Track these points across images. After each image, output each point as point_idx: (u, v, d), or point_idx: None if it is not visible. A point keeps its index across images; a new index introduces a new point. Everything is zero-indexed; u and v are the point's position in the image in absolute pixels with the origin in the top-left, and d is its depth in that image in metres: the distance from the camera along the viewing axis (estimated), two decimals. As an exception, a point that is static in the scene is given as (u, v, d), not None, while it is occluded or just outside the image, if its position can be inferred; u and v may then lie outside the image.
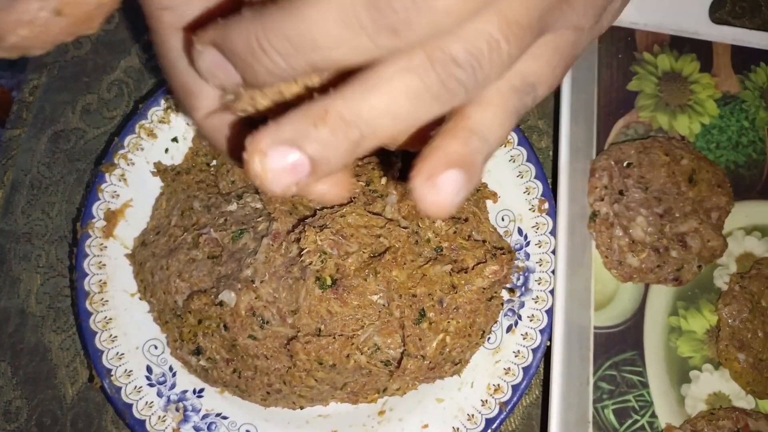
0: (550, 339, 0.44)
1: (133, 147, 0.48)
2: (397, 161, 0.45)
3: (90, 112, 0.54)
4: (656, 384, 0.46)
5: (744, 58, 0.53)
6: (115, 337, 0.44)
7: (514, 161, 0.47)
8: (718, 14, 0.57)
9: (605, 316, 0.47)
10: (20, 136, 0.54)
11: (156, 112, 0.48)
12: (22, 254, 0.51)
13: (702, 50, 0.53)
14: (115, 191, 0.47)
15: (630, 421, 0.45)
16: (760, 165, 0.51)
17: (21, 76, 0.59)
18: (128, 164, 0.48)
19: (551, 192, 0.46)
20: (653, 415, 0.45)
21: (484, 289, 0.41)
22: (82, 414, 0.47)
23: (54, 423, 0.47)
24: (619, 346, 0.46)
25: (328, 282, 0.40)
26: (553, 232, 0.45)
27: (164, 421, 0.42)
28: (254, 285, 0.41)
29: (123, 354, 0.43)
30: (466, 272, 0.41)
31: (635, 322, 0.47)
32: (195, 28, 0.26)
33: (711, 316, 0.48)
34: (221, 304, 0.41)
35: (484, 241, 0.44)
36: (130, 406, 0.42)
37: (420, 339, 0.40)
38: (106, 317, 0.44)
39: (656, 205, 0.48)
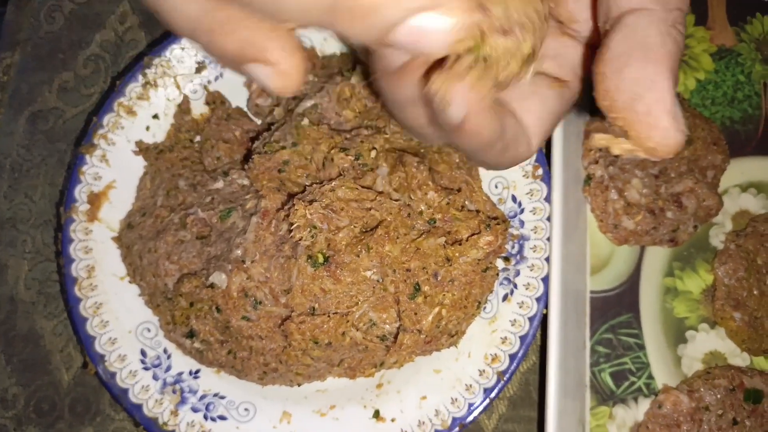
0: (546, 306, 0.43)
1: (113, 126, 0.46)
2: (384, 128, 0.44)
3: (67, 91, 0.52)
4: (652, 345, 0.46)
5: (739, 9, 0.52)
6: (107, 322, 0.43)
7: (505, 127, 0.46)
8: (712, -37, 0.55)
9: (601, 279, 0.47)
10: (-3, 118, 0.52)
11: (134, 88, 0.47)
12: (8, 240, 0.50)
13: (697, 2, 0.52)
14: (97, 173, 0.46)
15: (627, 383, 0.45)
16: (756, 120, 0.50)
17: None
18: (109, 144, 0.46)
19: (545, 157, 0.45)
20: (650, 377, 0.46)
21: (479, 260, 0.40)
22: (79, 398, 0.47)
23: (52, 408, 0.47)
24: (615, 309, 0.46)
25: (320, 260, 0.39)
26: (548, 199, 0.45)
27: (162, 403, 0.42)
28: (245, 265, 0.41)
29: (116, 339, 0.43)
30: (460, 244, 0.40)
31: (631, 285, 0.47)
32: None
33: (707, 275, 0.47)
34: (212, 286, 0.41)
35: (477, 211, 0.43)
36: (126, 390, 0.42)
37: (415, 313, 0.40)
38: (96, 302, 0.44)
39: (651, 166, 0.47)
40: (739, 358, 0.46)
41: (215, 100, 0.49)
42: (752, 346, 0.46)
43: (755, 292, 0.47)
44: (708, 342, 0.47)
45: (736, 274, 0.47)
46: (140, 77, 0.47)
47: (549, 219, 0.44)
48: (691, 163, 0.48)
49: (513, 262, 0.45)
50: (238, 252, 0.41)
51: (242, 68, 0.24)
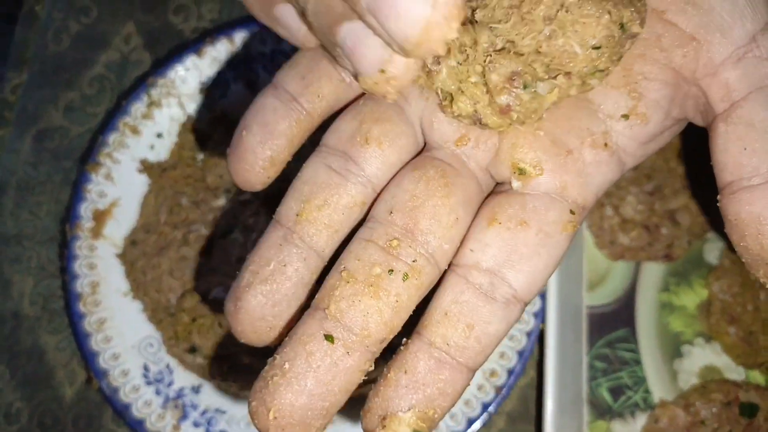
0: (543, 321, 0.44)
1: (118, 145, 0.47)
2: None
3: (73, 110, 0.53)
4: (649, 360, 0.47)
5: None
6: (110, 337, 0.44)
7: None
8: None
9: (598, 295, 0.47)
10: (4, 137, 0.53)
11: (139, 108, 0.48)
12: (13, 256, 0.51)
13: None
14: (102, 190, 0.47)
15: (624, 398, 0.46)
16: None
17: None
18: (113, 162, 0.47)
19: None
20: (647, 391, 0.46)
21: None
22: (82, 413, 0.47)
23: (55, 423, 0.47)
24: (611, 324, 0.47)
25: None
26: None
27: (164, 418, 0.43)
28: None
29: (119, 354, 0.44)
30: None
31: (627, 300, 0.47)
32: None
33: (702, 290, 0.48)
34: (214, 300, 0.41)
35: None
36: (128, 405, 0.43)
37: None
38: (99, 318, 0.44)
39: (646, 182, 0.48)
40: (734, 373, 0.47)
41: (218, 118, 0.50)
42: (747, 361, 0.47)
43: (749, 307, 0.47)
44: (704, 356, 0.47)
45: (730, 290, 0.48)
46: (145, 97, 0.48)
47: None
48: (686, 180, 0.48)
49: (510, 277, 0.45)
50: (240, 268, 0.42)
51: (272, 10, 0.26)
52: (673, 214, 0.48)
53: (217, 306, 0.41)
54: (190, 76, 0.49)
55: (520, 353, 0.44)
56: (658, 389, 0.46)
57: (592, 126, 0.27)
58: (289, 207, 0.27)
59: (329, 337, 0.24)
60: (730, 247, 0.49)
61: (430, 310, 0.26)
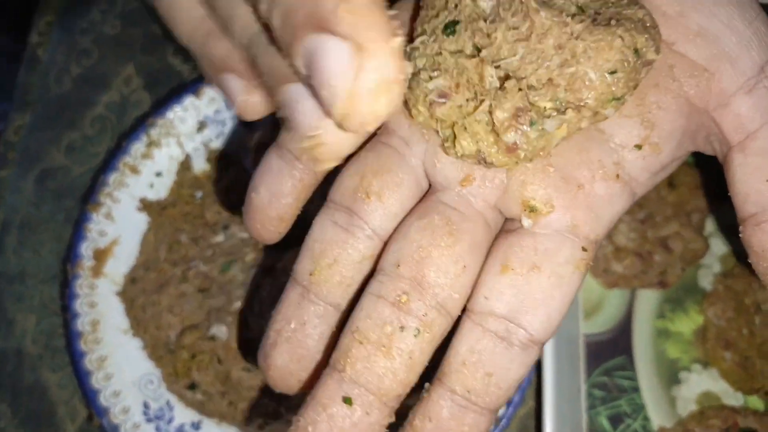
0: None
1: (118, 184, 0.48)
2: None
3: (74, 149, 0.54)
4: (647, 387, 0.47)
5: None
6: (111, 374, 0.45)
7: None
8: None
9: (593, 323, 0.48)
10: (7, 177, 0.54)
11: (139, 148, 0.49)
12: (16, 294, 0.51)
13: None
14: (102, 229, 0.48)
15: (623, 426, 0.46)
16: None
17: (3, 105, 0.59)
18: (114, 202, 0.48)
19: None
20: (645, 418, 0.46)
21: None
22: (84, 451, 0.48)
23: (57, 461, 0.48)
24: (608, 352, 0.47)
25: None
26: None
27: (164, 455, 0.43)
28: (245, 317, 0.42)
29: (119, 391, 0.44)
30: None
31: (623, 327, 0.48)
32: None
33: (697, 316, 0.48)
34: (213, 338, 0.42)
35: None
36: (129, 443, 0.43)
37: None
38: (100, 356, 0.45)
39: (638, 210, 0.49)
40: (732, 398, 0.47)
41: (216, 156, 0.51)
42: (745, 386, 0.47)
43: (745, 332, 0.48)
44: (701, 382, 0.47)
45: (725, 315, 0.48)
46: (144, 137, 0.49)
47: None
48: (676, 208, 0.49)
49: (506, 307, 0.46)
50: (238, 304, 0.43)
51: (220, 78, 0.26)
52: (665, 241, 0.48)
53: (216, 343, 0.42)
54: (188, 116, 0.50)
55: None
56: (657, 416, 0.46)
57: (604, 157, 0.26)
58: (303, 266, 0.28)
59: (348, 400, 0.25)
60: (723, 272, 0.49)
61: (449, 357, 0.26)
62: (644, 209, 0.49)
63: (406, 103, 0.27)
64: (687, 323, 0.48)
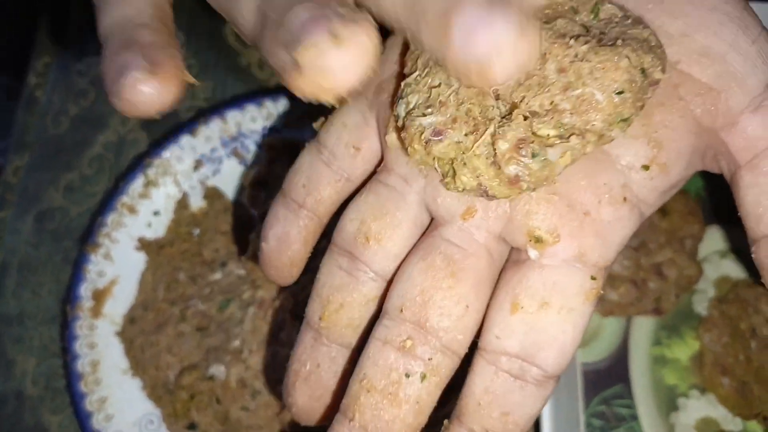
0: (536, 382, 0.45)
1: (116, 224, 0.49)
2: None
3: (72, 190, 0.55)
4: (646, 415, 0.47)
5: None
6: (111, 415, 0.45)
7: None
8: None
9: (591, 351, 0.48)
10: (6, 218, 0.55)
11: (136, 188, 0.50)
12: (16, 336, 0.52)
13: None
14: (101, 270, 0.48)
15: (623, 454, 0.46)
16: (729, 189, 0.52)
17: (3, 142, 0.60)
18: (112, 242, 0.49)
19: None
20: (645, 446, 0.46)
21: None
22: (85, 492, 0.48)
23: (58, 503, 0.47)
24: (606, 380, 0.47)
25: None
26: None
27: (165, 496, 0.43)
28: (243, 356, 0.42)
29: (120, 432, 0.44)
30: None
31: (620, 355, 0.48)
32: None
33: (693, 342, 0.49)
34: (212, 378, 0.42)
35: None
36: (130, 485, 0.43)
37: None
38: (100, 397, 0.45)
39: (631, 238, 0.49)
40: (731, 424, 0.47)
41: (212, 194, 0.51)
42: (744, 412, 0.47)
43: (741, 357, 0.48)
44: (700, 408, 0.47)
45: (721, 341, 0.48)
46: (141, 177, 0.50)
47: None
48: (669, 234, 0.50)
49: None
50: (236, 342, 0.43)
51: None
52: (660, 268, 0.49)
53: (214, 383, 0.42)
54: (185, 155, 0.51)
55: (516, 415, 0.44)
56: (657, 444, 0.46)
57: (611, 180, 0.26)
58: (313, 310, 0.29)
59: None
60: (718, 297, 0.50)
61: (465, 397, 0.26)
62: (637, 236, 0.49)
63: (402, 141, 0.26)
64: (683, 349, 0.48)
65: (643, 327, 0.49)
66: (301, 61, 0.18)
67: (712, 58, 0.25)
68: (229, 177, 0.52)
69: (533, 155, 0.23)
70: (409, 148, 0.26)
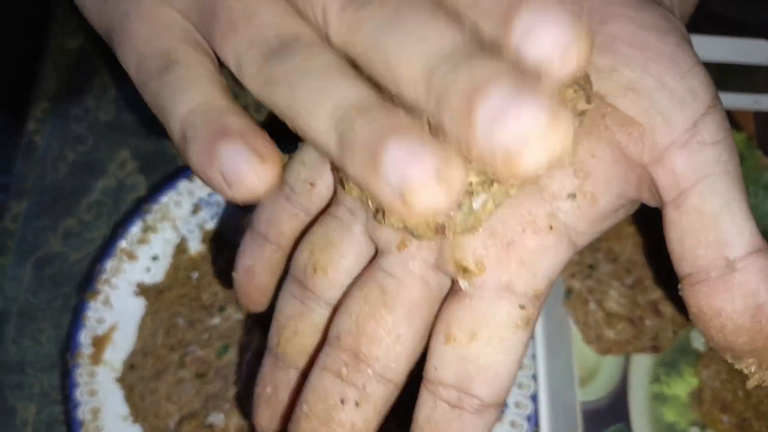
0: (537, 424, 0.45)
1: (115, 271, 0.49)
2: None
3: (71, 236, 0.55)
4: (647, 453, 0.47)
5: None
6: (112, 464, 0.45)
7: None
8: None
9: (590, 390, 0.48)
10: (5, 265, 0.55)
11: (134, 233, 0.50)
12: (16, 384, 0.52)
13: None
14: (101, 317, 0.48)
15: (625, 494, 0.46)
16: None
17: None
18: (111, 288, 0.49)
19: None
20: (647, 485, 0.46)
21: None
22: None
23: None
24: (606, 419, 0.47)
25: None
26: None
27: None
28: (241, 403, 0.42)
29: (120, 482, 0.44)
30: None
31: (620, 393, 0.48)
32: None
33: (692, 378, 0.49)
34: (211, 426, 0.42)
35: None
36: None
37: None
38: (101, 446, 0.45)
39: (626, 276, 0.50)
40: (733, 461, 0.47)
41: (211, 237, 0.52)
42: (744, 448, 0.47)
43: (740, 393, 0.48)
44: (701, 446, 0.47)
45: (719, 377, 0.48)
46: (140, 223, 0.50)
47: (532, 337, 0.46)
48: (664, 271, 0.50)
49: (501, 380, 0.46)
50: (235, 390, 0.43)
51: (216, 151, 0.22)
52: (656, 305, 0.49)
53: (213, 431, 0.42)
54: (183, 200, 0.51)
55: (517, 458, 0.44)
56: (659, 483, 0.46)
57: (535, 209, 0.26)
58: (272, 335, 0.31)
59: None
60: (715, 332, 0.50)
61: (413, 424, 0.28)
62: (632, 274, 0.50)
63: (341, 180, 0.28)
64: (682, 386, 0.49)
65: (642, 364, 0.49)
66: (410, 200, 0.18)
67: (639, 93, 0.25)
68: (226, 219, 0.52)
69: (458, 206, 0.24)
70: (346, 185, 0.27)
